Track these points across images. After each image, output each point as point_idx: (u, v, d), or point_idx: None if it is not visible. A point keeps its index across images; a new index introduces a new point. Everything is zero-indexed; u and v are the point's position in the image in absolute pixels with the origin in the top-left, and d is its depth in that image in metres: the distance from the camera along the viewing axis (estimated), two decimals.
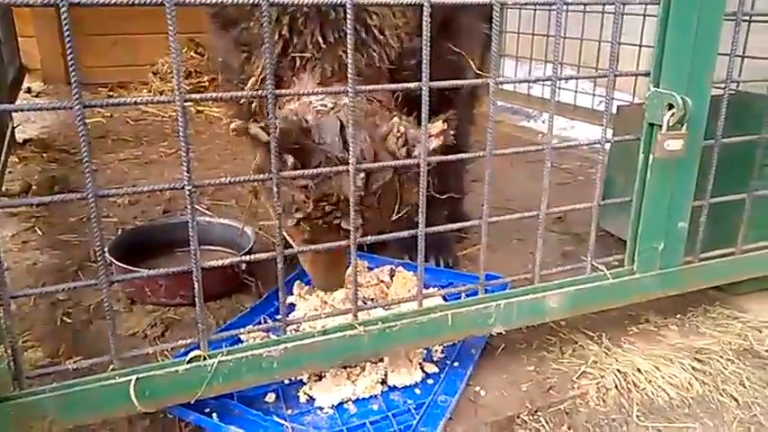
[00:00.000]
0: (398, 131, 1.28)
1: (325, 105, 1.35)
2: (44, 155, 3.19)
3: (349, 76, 1.12)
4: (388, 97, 1.44)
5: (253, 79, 1.44)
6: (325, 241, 1.32)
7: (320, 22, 1.36)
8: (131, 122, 3.97)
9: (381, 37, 1.39)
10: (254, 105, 1.48)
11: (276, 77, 1.40)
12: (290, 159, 1.24)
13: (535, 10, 3.96)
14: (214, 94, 1.10)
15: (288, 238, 1.45)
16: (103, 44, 4.94)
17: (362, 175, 1.29)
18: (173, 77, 4.58)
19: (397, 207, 1.40)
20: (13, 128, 3.18)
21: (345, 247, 1.27)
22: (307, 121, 1.31)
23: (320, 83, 1.38)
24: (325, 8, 1.34)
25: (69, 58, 0.96)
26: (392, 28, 1.41)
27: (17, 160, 3.07)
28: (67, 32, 0.94)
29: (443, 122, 1.27)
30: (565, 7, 1.26)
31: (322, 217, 1.34)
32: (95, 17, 4.75)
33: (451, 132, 1.28)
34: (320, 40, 1.36)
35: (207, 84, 4.65)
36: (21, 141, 3.32)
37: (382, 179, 1.33)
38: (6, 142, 2.76)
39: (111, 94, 4.78)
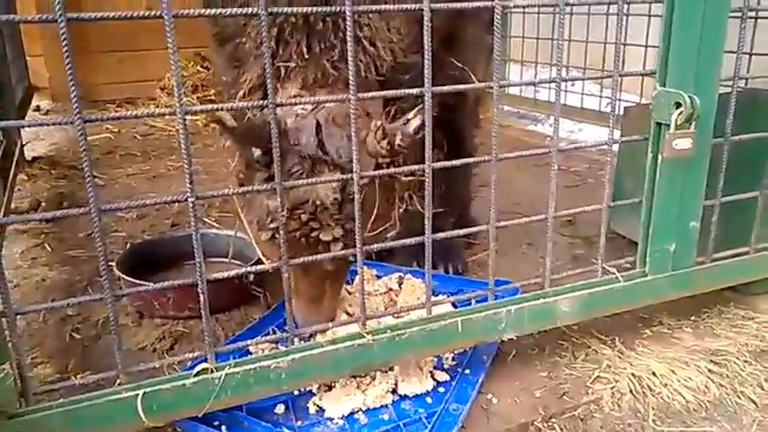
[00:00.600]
0: (376, 126, 1.26)
1: (305, 109, 1.35)
2: (52, 172, 3.21)
3: (350, 83, 1.11)
4: (378, 107, 1.43)
5: (241, 92, 1.45)
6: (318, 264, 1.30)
7: (306, 32, 1.37)
8: (139, 137, 3.99)
9: (371, 49, 1.39)
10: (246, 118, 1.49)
11: (264, 89, 1.41)
12: (257, 152, 1.23)
13: (539, 13, 3.95)
14: (214, 106, 1.09)
15: (263, 258, 1.42)
16: (110, 61, 4.97)
17: (337, 176, 1.26)
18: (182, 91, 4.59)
19: (375, 216, 1.36)
20: (22, 146, 3.20)
21: (331, 278, 1.25)
22: (285, 124, 1.31)
23: (302, 89, 1.39)
24: (313, 19, 1.35)
25: (69, 72, 0.96)
26: (384, 41, 1.41)
27: (26, 178, 3.09)
28: (66, 47, 0.94)
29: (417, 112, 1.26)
30: (568, 9, 1.24)
31: (299, 228, 1.30)
32: (101, 35, 4.79)
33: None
34: (305, 50, 1.37)
35: (213, 97, 4.67)
36: (29, 159, 3.34)
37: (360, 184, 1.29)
38: (15, 160, 2.77)
39: (118, 110, 4.81)
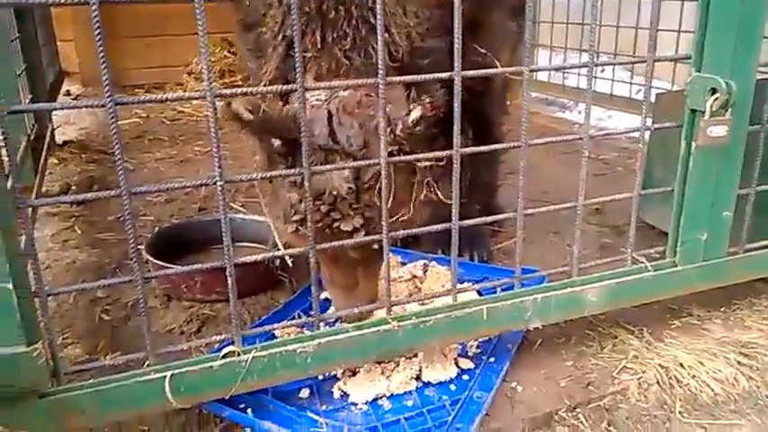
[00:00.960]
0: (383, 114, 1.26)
1: (320, 99, 1.34)
2: (83, 156, 3.26)
3: (379, 68, 1.10)
4: (399, 93, 1.42)
5: (261, 83, 1.45)
6: (329, 251, 1.30)
7: (321, 22, 1.35)
8: (167, 122, 4.03)
9: (386, 35, 1.37)
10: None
11: (283, 80, 1.41)
12: (277, 142, 1.24)
13: None
14: (244, 89, 1.09)
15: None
16: (138, 46, 5.01)
17: (360, 162, 1.26)
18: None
19: (393, 203, 1.32)
20: (53, 130, 3.25)
21: (364, 264, 1.25)
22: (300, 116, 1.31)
23: (316, 80, 1.37)
24: (326, 7, 1.34)
25: (101, 56, 0.97)
26: (400, 26, 1.39)
27: (57, 162, 3.14)
28: (98, 31, 0.95)
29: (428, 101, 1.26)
30: None
31: (321, 219, 1.29)
32: (129, 19, 4.83)
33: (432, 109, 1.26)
34: (319, 39, 1.36)
35: (240, 83, 4.69)
36: (60, 143, 3.39)
37: (373, 171, 1.28)
38: (46, 144, 2.82)
39: (146, 95, 4.86)
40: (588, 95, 1.31)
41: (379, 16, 1.08)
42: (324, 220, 1.30)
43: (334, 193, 1.28)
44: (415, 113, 1.23)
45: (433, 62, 1.42)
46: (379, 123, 1.25)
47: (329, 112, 1.31)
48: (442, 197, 1.39)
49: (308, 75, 1.40)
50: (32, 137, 2.60)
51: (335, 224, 1.31)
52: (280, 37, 1.40)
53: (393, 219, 1.32)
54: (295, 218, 1.32)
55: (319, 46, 1.36)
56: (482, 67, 1.51)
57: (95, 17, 0.94)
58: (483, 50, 1.57)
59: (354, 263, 1.40)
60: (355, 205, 1.29)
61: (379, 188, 1.26)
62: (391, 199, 1.31)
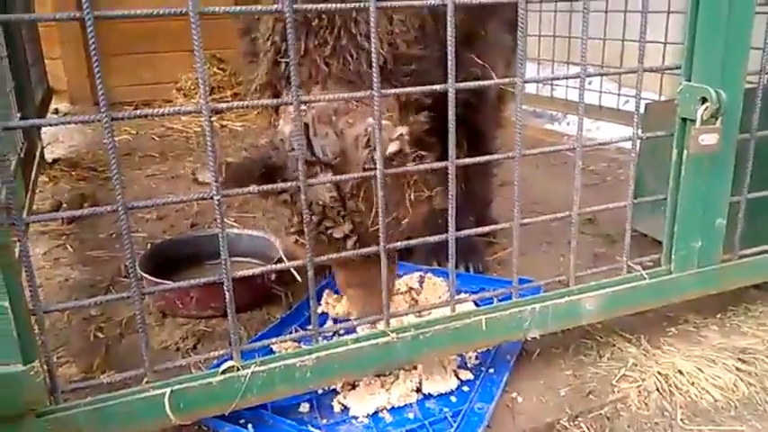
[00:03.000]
0: (365, 132, 1.27)
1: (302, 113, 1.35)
2: (73, 173, 3.24)
3: (374, 79, 1.10)
4: (390, 102, 1.43)
5: (252, 88, 1.47)
6: (337, 263, 1.35)
7: (306, 30, 1.37)
8: (157, 139, 4.02)
9: (365, 43, 1.38)
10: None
11: (272, 86, 1.42)
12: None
13: (555, 11, 3.93)
14: (240, 103, 1.09)
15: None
16: (127, 63, 5.01)
17: (329, 175, 1.27)
18: (196, 93, 4.65)
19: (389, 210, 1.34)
20: (42, 148, 3.24)
21: (378, 271, 1.25)
22: (284, 134, 1.34)
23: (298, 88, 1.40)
24: (310, 15, 1.36)
25: (96, 70, 0.96)
26: (383, 34, 1.40)
27: (47, 179, 3.12)
28: (93, 46, 0.95)
29: (405, 129, 1.28)
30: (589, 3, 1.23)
31: (314, 229, 1.31)
32: (118, 37, 4.83)
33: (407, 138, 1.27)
34: (303, 46, 1.38)
35: (230, 99, 4.70)
36: (50, 161, 3.37)
37: (352, 180, 1.29)
38: (36, 162, 2.80)
39: (140, 110, 4.84)
40: (580, 106, 1.32)
41: (372, 29, 1.09)
42: (318, 229, 1.32)
43: (320, 203, 1.30)
44: (393, 147, 1.24)
45: (420, 71, 1.43)
46: (360, 134, 1.26)
47: (306, 124, 1.32)
48: (431, 192, 1.40)
49: (289, 81, 1.42)
50: (22, 155, 2.58)
51: (329, 231, 1.33)
52: (269, 42, 1.42)
53: (388, 219, 1.33)
54: (292, 230, 1.35)
55: (302, 53, 1.38)
56: (477, 80, 1.52)
57: (91, 32, 0.94)
58: (480, 62, 1.58)
59: (369, 267, 1.41)
60: (342, 212, 1.31)
61: (364, 194, 1.29)
62: (368, 203, 1.32)
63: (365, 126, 1.30)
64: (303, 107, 1.32)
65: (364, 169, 1.25)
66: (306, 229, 1.16)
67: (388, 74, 1.40)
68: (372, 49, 1.10)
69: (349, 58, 1.37)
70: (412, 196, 1.38)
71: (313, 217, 1.31)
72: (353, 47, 1.37)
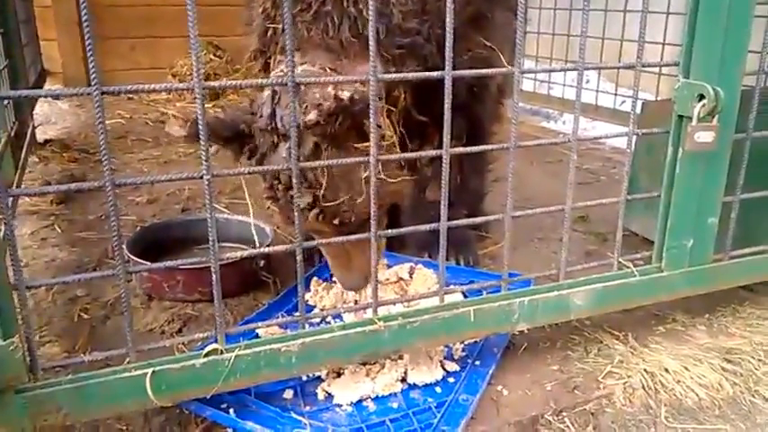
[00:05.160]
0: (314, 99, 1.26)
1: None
2: (64, 155, 3.20)
3: (370, 62, 1.09)
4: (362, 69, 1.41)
5: (246, 57, 1.50)
6: (309, 229, 1.39)
7: None
8: (150, 123, 3.98)
9: (352, 10, 1.35)
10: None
11: (263, 54, 1.45)
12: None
13: (555, 8, 3.92)
14: (233, 82, 1.08)
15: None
16: (123, 47, 4.97)
17: (287, 147, 1.25)
18: (191, 78, 4.61)
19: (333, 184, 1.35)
20: (34, 128, 3.20)
21: (364, 241, 1.24)
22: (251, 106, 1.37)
23: (282, 53, 1.41)
24: None
25: (88, 44, 0.95)
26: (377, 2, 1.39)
27: (37, 160, 3.09)
28: (86, 20, 0.93)
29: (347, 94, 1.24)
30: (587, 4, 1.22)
31: (284, 196, 1.35)
32: (115, 21, 4.79)
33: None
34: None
35: None
36: (41, 141, 3.34)
37: (308, 149, 1.29)
38: (27, 142, 2.77)
39: (131, 97, 4.80)
40: (577, 99, 1.31)
41: (371, 10, 1.07)
42: (285, 197, 1.36)
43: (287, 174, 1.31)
44: (312, 115, 1.22)
45: (415, 44, 1.42)
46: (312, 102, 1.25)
47: (274, 91, 1.32)
48: (386, 177, 1.39)
49: (277, 47, 1.42)
50: (13, 134, 2.55)
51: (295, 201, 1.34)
52: (261, 9, 1.43)
53: (337, 201, 1.34)
54: (265, 195, 1.41)
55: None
56: (485, 62, 1.50)
57: (84, 6, 0.93)
58: (489, 44, 1.56)
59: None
60: (305, 183, 1.32)
61: (320, 168, 1.31)
62: (326, 176, 1.32)
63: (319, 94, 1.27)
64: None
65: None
66: (298, 215, 1.15)
67: (377, 45, 1.38)
68: (370, 34, 1.08)
69: (330, 24, 1.34)
70: (363, 176, 1.36)
71: (280, 186, 1.34)
72: (338, 13, 1.34)
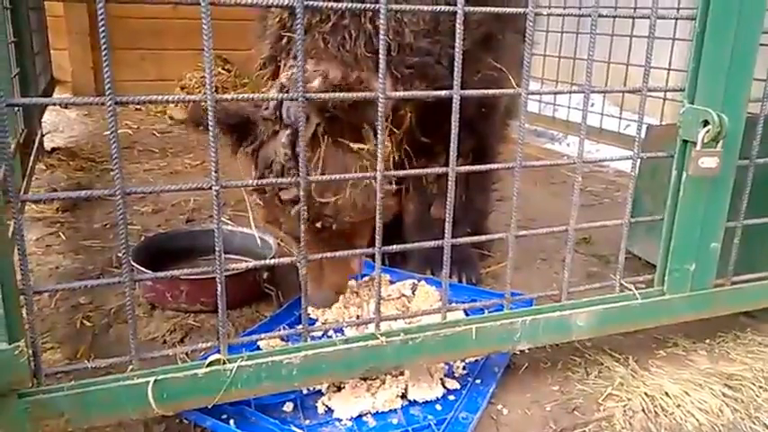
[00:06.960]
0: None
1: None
2: (70, 163, 3.23)
3: (380, 78, 1.10)
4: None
5: (257, 63, 1.54)
6: (287, 231, 1.45)
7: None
8: (157, 134, 4.01)
9: (369, 26, 1.39)
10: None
11: (274, 60, 1.50)
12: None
13: (562, 32, 3.96)
14: (245, 95, 1.10)
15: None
16: (132, 57, 5.02)
17: (287, 134, 1.32)
18: (200, 91, 4.66)
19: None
20: (42, 136, 3.23)
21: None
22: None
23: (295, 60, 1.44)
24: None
25: (104, 54, 0.96)
26: (391, 21, 1.43)
27: (44, 168, 3.11)
28: (103, 27, 0.95)
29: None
30: (596, 19, 1.24)
31: (272, 189, 1.39)
32: (124, 32, 4.84)
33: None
34: (306, 20, 1.39)
35: None
36: (48, 150, 3.36)
37: (307, 139, 1.31)
38: (35, 150, 2.79)
39: (139, 108, 4.84)
40: (583, 120, 1.32)
41: (381, 31, 1.09)
42: (272, 190, 1.40)
43: (278, 159, 1.36)
44: (317, 82, 1.29)
45: (424, 64, 1.46)
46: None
47: (282, 84, 1.37)
48: (376, 184, 1.43)
49: (289, 54, 1.47)
50: (21, 141, 2.57)
51: (280, 193, 1.40)
52: (276, 18, 1.48)
53: (323, 200, 1.37)
54: (254, 195, 1.47)
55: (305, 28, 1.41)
56: (494, 83, 1.53)
57: (101, 15, 0.94)
58: (498, 65, 1.59)
59: (318, 244, 1.46)
60: (294, 173, 1.34)
61: (315, 159, 1.35)
62: (319, 171, 1.36)
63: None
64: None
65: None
66: (302, 227, 1.16)
67: (389, 61, 1.40)
68: (380, 55, 1.09)
69: (348, 38, 1.38)
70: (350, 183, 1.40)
71: (270, 175, 1.38)
72: (355, 28, 1.38)
